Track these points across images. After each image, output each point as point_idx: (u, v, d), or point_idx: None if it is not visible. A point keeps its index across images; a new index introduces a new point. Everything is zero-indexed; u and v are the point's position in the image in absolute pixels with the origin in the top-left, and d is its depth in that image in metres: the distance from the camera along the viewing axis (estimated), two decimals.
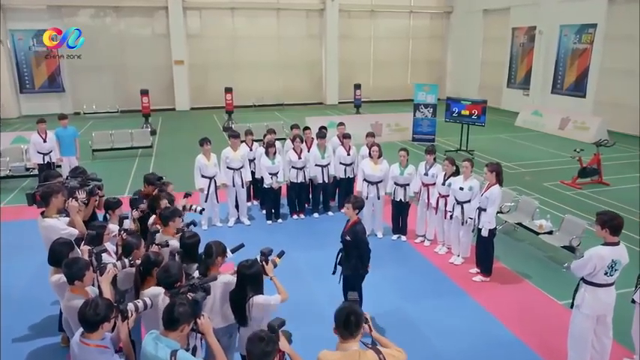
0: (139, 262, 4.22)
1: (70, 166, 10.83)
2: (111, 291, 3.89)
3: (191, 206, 5.87)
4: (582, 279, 4.65)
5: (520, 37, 23.30)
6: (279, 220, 9.31)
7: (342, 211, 9.58)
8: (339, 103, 26.04)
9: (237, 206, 9.16)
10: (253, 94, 24.46)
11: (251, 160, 9.31)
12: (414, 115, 16.55)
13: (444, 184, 7.53)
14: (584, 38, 19.73)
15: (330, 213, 9.69)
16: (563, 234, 7.69)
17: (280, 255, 4.48)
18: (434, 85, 17.00)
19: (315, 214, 9.60)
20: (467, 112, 14.88)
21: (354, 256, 5.58)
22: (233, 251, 4.77)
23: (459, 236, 7.50)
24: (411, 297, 6.60)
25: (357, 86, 21.61)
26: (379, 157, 8.25)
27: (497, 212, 7.52)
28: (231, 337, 4.35)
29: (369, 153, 8.32)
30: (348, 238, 5.57)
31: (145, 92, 17.48)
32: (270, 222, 9.22)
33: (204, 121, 21.07)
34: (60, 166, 11.30)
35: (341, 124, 10.07)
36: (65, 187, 5.09)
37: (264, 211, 9.61)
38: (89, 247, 4.27)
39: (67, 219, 4.97)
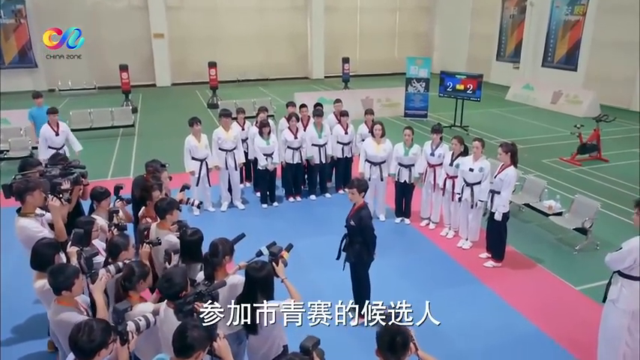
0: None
1: None
2: (104, 299, 3.41)
3: (189, 199, 5.31)
4: (618, 272, 4.32)
5: (510, 8, 22.80)
6: (275, 204, 8.83)
7: (344, 191, 9.22)
8: (326, 77, 25.38)
9: (230, 189, 8.65)
10: (236, 69, 23.60)
11: (243, 140, 8.76)
12: (406, 90, 16.04)
13: (451, 164, 7.13)
14: (576, 10, 19.32)
15: (327, 195, 9.24)
16: (574, 215, 7.40)
17: (289, 248, 4.02)
18: (426, 58, 16.49)
19: (312, 196, 9.15)
20: (462, 87, 14.44)
21: (359, 242, 5.17)
22: (233, 243, 4.31)
23: (468, 220, 7.14)
24: (421, 286, 6.24)
25: (346, 60, 20.93)
26: (382, 136, 7.78)
27: None
28: (240, 343, 3.92)
29: (371, 132, 7.82)
30: (352, 223, 5.15)
31: (124, 67, 16.57)
32: (265, 205, 8.74)
33: (187, 97, 20.25)
34: (37, 148, 10.60)
35: (337, 101, 9.55)
36: (46, 177, 4.50)
37: (257, 194, 9.14)
38: (77, 249, 3.76)
39: (48, 216, 4.41)
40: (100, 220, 4.65)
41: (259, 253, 4.05)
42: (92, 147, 12.66)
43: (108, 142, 12.95)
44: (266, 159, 8.38)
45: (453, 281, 6.36)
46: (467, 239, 7.25)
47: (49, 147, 8.70)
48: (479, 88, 14.19)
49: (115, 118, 13.69)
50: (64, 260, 3.84)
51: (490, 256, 6.81)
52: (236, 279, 3.72)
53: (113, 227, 4.30)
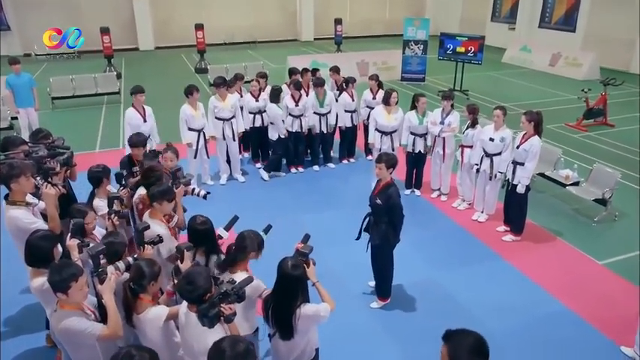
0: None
1: (29, 118, 9.49)
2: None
3: (194, 189, 4.76)
4: None
5: None
6: (282, 174, 8.44)
7: (347, 161, 8.81)
8: (315, 39, 24.48)
9: (228, 161, 8.15)
10: (223, 31, 22.58)
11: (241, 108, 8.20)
12: (403, 53, 15.41)
13: (462, 132, 6.72)
14: None
15: (330, 165, 8.82)
16: (592, 185, 7.10)
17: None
18: (425, 19, 15.76)
19: (315, 167, 8.71)
20: (462, 50, 13.86)
21: (385, 223, 4.75)
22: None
23: (485, 191, 6.79)
24: (442, 263, 5.93)
25: (338, 21, 20.00)
26: (396, 104, 7.32)
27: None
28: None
29: (388, 100, 7.24)
30: (378, 201, 4.70)
31: (105, 30, 15.55)
32: (267, 177, 8.25)
33: (172, 61, 19.33)
34: (16, 118, 9.91)
35: (333, 69, 8.98)
36: (32, 159, 3.96)
37: (257, 165, 8.68)
38: (78, 241, 3.30)
39: (41, 204, 3.89)
40: (102, 204, 4.19)
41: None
42: (76, 116, 12.00)
43: (93, 111, 12.22)
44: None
45: (473, 257, 6.06)
46: (482, 212, 6.93)
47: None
48: (480, 51, 13.63)
49: (99, 84, 12.87)
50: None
51: (508, 229, 6.51)
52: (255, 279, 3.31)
53: (113, 215, 3.81)
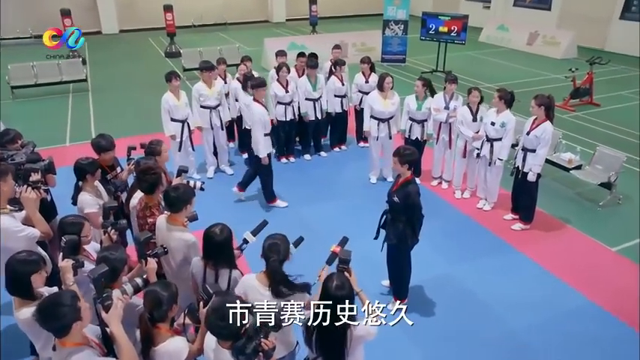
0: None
1: None
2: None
3: (187, 182, 4.28)
4: None
5: None
6: None
7: (339, 149, 8.43)
8: (287, 20, 23.72)
9: (215, 152, 7.61)
10: (191, 13, 21.55)
11: (226, 95, 7.62)
12: (383, 33, 14.99)
13: (475, 120, 6.38)
14: None
15: (322, 153, 8.38)
16: (596, 169, 6.93)
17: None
18: None
19: (307, 156, 8.26)
20: (445, 29, 13.55)
21: (402, 222, 4.39)
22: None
23: (486, 178, 6.51)
24: (454, 256, 5.66)
25: (313, 1, 19.30)
26: (391, 88, 6.91)
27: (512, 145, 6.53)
28: None
29: (382, 85, 6.83)
30: (396, 199, 4.32)
31: (66, 13, 14.51)
32: None
33: (140, 45, 18.33)
34: None
35: (337, 47, 8.49)
36: (11, 164, 3.40)
37: (244, 156, 8.15)
38: (72, 262, 2.80)
39: (21, 213, 3.35)
40: (88, 198, 3.71)
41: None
42: (40, 107, 11.13)
43: (58, 101, 11.35)
44: None
45: (484, 248, 5.80)
46: (486, 199, 6.67)
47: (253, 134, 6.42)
48: (464, 30, 13.37)
49: (64, 71, 11.92)
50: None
51: (517, 217, 6.27)
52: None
53: (110, 228, 3.29)
